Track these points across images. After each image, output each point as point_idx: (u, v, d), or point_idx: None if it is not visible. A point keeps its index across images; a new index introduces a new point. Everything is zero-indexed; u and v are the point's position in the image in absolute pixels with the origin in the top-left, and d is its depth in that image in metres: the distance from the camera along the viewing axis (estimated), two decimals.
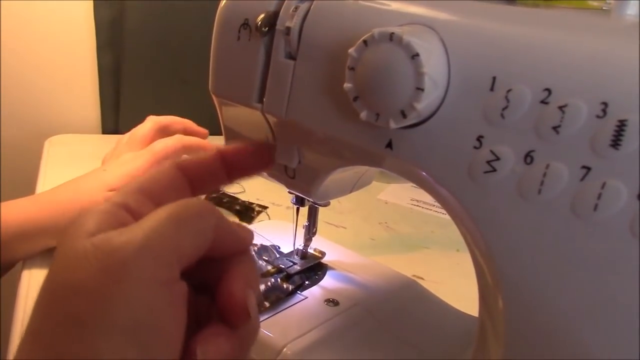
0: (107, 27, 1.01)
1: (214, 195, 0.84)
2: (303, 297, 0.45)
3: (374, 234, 0.81)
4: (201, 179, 0.33)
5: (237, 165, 0.34)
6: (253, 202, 0.84)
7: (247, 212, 0.81)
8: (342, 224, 0.82)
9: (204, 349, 0.27)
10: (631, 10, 0.30)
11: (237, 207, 0.82)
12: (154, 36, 1.02)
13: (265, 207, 0.82)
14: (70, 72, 1.06)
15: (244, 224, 0.79)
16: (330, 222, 0.81)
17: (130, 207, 0.29)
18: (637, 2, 0.30)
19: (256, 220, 0.80)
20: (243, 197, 0.85)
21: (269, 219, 0.81)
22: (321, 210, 0.48)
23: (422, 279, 0.69)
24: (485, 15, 0.31)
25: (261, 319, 0.42)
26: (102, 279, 0.25)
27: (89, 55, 1.04)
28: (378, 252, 0.77)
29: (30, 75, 1.04)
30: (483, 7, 0.31)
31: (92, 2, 1.00)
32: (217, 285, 0.29)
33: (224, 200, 0.84)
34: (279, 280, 0.46)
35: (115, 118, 1.07)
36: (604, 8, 0.35)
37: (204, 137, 0.74)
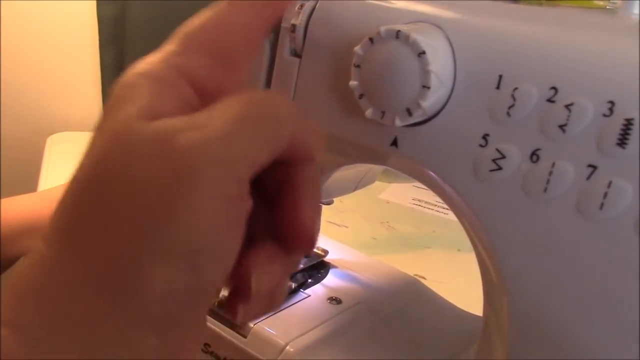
0: (109, 24, 1.01)
1: None
2: (306, 295, 0.45)
3: (376, 233, 0.81)
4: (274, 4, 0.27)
5: None
6: None
7: None
8: (344, 222, 0.82)
9: (260, 278, 0.24)
10: (637, 9, 0.30)
11: None
12: (156, 33, 1.01)
13: None
14: (73, 70, 1.06)
15: None
16: (332, 221, 0.81)
17: (193, 74, 0.24)
18: None
19: None
20: None
21: None
22: (323, 209, 0.48)
23: (423, 278, 0.69)
24: (491, 13, 0.31)
25: (264, 316, 0.42)
26: (168, 184, 0.20)
27: (92, 52, 1.04)
28: (379, 252, 0.77)
29: (32, 72, 1.04)
30: (489, 5, 0.31)
31: (94, 0, 1.00)
32: (278, 202, 0.25)
33: None
34: None
35: None
36: (608, 7, 0.35)
37: None
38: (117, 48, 1.03)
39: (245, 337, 0.40)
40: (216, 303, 0.42)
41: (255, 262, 0.24)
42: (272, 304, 0.25)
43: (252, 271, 0.23)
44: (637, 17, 0.30)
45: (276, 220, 0.25)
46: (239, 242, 0.22)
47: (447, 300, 0.48)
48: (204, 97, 0.24)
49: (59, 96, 1.07)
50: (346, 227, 0.81)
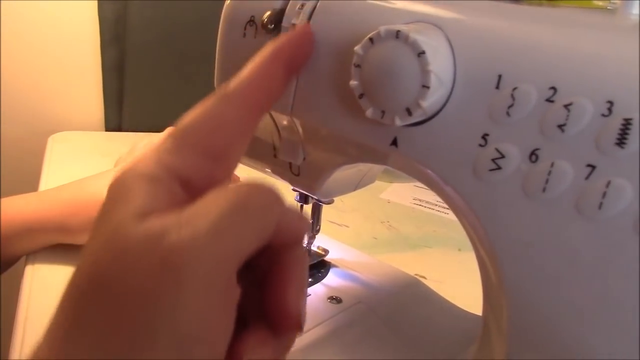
0: (110, 24, 1.01)
1: None
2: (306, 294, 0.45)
3: (376, 233, 0.81)
4: (264, 97, 0.29)
5: (293, 60, 0.31)
6: None
7: None
8: (345, 222, 0.82)
9: (254, 354, 0.25)
10: (637, 10, 0.30)
11: None
12: (158, 33, 1.02)
13: None
14: (74, 69, 1.06)
15: None
16: (333, 220, 0.81)
17: (184, 172, 0.25)
18: None
19: None
20: None
21: None
22: (324, 209, 0.48)
23: (424, 278, 0.70)
24: (491, 13, 0.31)
25: None
26: (158, 282, 0.22)
27: (93, 52, 1.04)
28: (380, 251, 0.77)
29: (34, 72, 1.04)
30: (489, 5, 0.32)
31: (96, 0, 1.00)
32: (266, 284, 0.26)
33: None
34: None
35: (119, 115, 1.08)
36: (608, 8, 0.35)
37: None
38: (118, 48, 1.03)
39: None
40: None
41: (246, 347, 0.25)
42: None
43: (243, 357, 0.24)
44: (637, 17, 0.30)
45: (264, 304, 0.26)
46: (230, 329, 0.24)
47: (447, 300, 0.49)
48: (194, 190, 0.25)
49: (60, 96, 1.07)
50: (347, 226, 0.81)
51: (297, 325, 0.26)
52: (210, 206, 0.23)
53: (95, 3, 1.00)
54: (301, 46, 0.33)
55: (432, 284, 0.61)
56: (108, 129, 1.09)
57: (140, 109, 1.07)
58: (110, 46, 1.03)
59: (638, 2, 0.30)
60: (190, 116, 0.28)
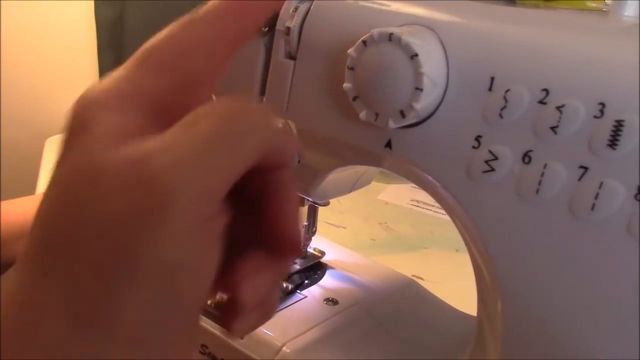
0: (108, 27, 1.01)
1: None
2: (302, 296, 0.45)
3: (374, 234, 0.81)
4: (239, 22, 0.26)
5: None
6: None
7: None
8: (342, 224, 0.82)
9: (250, 289, 0.24)
10: (629, 11, 0.30)
11: None
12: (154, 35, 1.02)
13: None
14: (71, 72, 1.06)
15: None
16: (330, 222, 0.81)
17: (152, 94, 0.23)
18: (635, 2, 0.30)
19: None
20: None
21: None
22: (321, 210, 0.48)
23: (421, 279, 0.69)
24: (484, 15, 0.31)
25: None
26: (141, 210, 0.20)
27: (90, 54, 1.04)
28: (378, 252, 0.77)
29: (31, 74, 1.04)
30: (482, 7, 0.32)
31: (92, 2, 1.00)
32: (261, 208, 0.24)
33: None
34: None
35: None
36: (603, 9, 0.35)
37: None
38: (116, 50, 1.03)
39: (242, 337, 0.41)
40: (213, 304, 0.42)
41: (243, 273, 0.24)
42: (265, 314, 0.26)
43: (241, 283, 0.23)
44: (629, 18, 0.30)
45: (262, 229, 0.25)
46: (216, 257, 0.22)
47: (443, 301, 0.49)
48: (167, 116, 0.23)
49: (58, 98, 1.07)
50: (344, 228, 0.81)
51: (297, 246, 0.25)
52: (193, 129, 0.22)
53: (92, 5, 1.00)
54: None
55: (429, 284, 0.61)
56: None
57: None
58: (108, 49, 1.03)
59: (630, 3, 0.30)
60: (156, 37, 0.25)
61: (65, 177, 0.21)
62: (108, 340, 0.20)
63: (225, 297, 0.24)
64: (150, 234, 0.20)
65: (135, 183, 0.20)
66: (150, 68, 0.24)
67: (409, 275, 0.70)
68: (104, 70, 1.04)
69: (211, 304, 0.42)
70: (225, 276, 0.23)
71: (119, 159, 0.20)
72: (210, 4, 0.26)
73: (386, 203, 0.90)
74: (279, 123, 0.24)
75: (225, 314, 0.24)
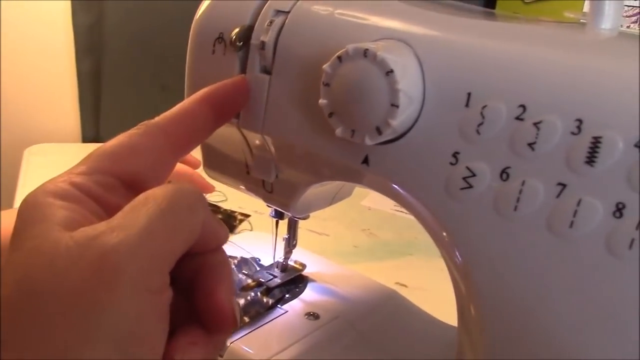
0: (85, 33, 1.00)
1: None
2: (283, 311, 0.45)
3: (357, 241, 0.80)
4: (186, 133, 0.31)
5: (223, 106, 0.34)
6: (235, 210, 0.83)
7: (229, 220, 0.81)
8: (325, 231, 0.81)
9: (186, 354, 0.26)
10: (605, 24, 0.30)
11: (219, 216, 0.82)
12: (133, 41, 1.01)
13: (247, 216, 0.82)
14: (49, 80, 1.05)
15: None
16: (313, 229, 0.81)
17: (98, 195, 0.27)
18: (612, 14, 0.30)
19: (238, 228, 0.80)
20: (225, 206, 0.84)
21: (251, 227, 0.80)
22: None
23: (405, 286, 0.69)
24: (461, 30, 0.31)
25: (241, 334, 0.41)
26: (93, 284, 0.22)
27: (68, 61, 1.03)
28: (361, 260, 0.76)
29: (8, 83, 1.03)
30: (459, 22, 0.31)
31: (70, 6, 0.99)
32: (195, 287, 0.27)
33: None
34: (258, 294, 0.45)
35: (96, 126, 1.06)
36: (581, 21, 0.35)
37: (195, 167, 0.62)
38: (94, 57, 1.02)
39: (221, 356, 0.40)
40: None
41: (177, 349, 0.26)
42: None
43: (175, 356, 0.25)
44: (606, 31, 0.30)
45: (196, 307, 0.27)
46: (166, 328, 0.25)
47: (426, 312, 0.48)
48: (109, 211, 0.26)
49: (36, 107, 1.06)
50: (327, 235, 0.81)
51: (233, 321, 0.27)
52: (140, 210, 0.24)
53: (70, 10, 0.99)
54: (233, 95, 0.35)
55: (413, 291, 0.60)
56: (85, 140, 1.07)
57: (117, 119, 1.06)
58: (86, 55, 1.02)
59: (607, 16, 0.30)
60: (109, 142, 0.29)
61: (22, 263, 0.24)
62: None
63: None
64: (103, 305, 0.22)
65: (85, 262, 0.23)
66: (98, 169, 0.28)
67: (393, 283, 0.70)
68: (82, 77, 1.03)
69: None
70: (165, 349, 0.25)
71: (71, 242, 0.23)
72: (164, 115, 0.32)
73: (369, 209, 0.89)
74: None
75: None
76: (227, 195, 0.87)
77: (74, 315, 0.22)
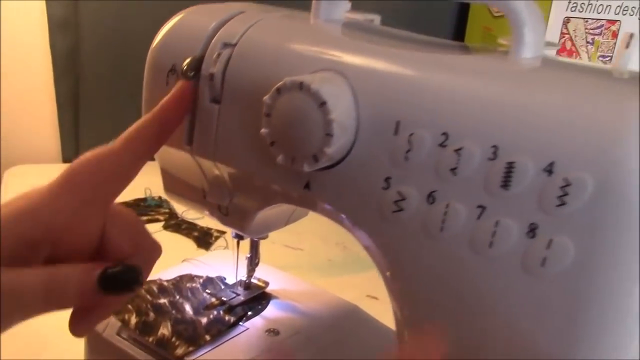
0: (63, 56, 1.02)
1: (173, 222, 0.85)
2: (244, 328, 0.46)
3: (331, 255, 0.82)
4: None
5: (167, 122, 0.36)
6: (211, 227, 0.85)
7: (205, 237, 0.82)
8: (300, 245, 0.83)
9: None
10: (526, 53, 0.32)
11: (196, 233, 0.83)
12: (110, 63, 1.03)
13: (223, 233, 0.83)
14: (28, 102, 1.06)
15: (202, 250, 0.80)
16: (288, 244, 0.83)
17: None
18: (533, 43, 0.32)
19: (214, 245, 0.81)
20: (202, 223, 0.86)
21: (227, 244, 0.82)
22: (279, 233, 0.49)
23: (375, 298, 0.71)
24: (392, 61, 0.32)
25: (201, 352, 0.43)
26: None
27: (46, 84, 1.04)
28: (334, 273, 0.78)
29: None
30: (392, 53, 0.33)
31: (47, 30, 1.00)
32: None
33: (182, 227, 0.85)
34: (221, 312, 0.47)
35: (76, 146, 1.08)
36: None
37: None
38: (72, 79, 1.04)
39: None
40: (155, 340, 0.43)
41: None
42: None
43: None
44: (527, 60, 0.31)
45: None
46: None
47: (386, 326, 0.50)
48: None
49: (15, 129, 1.07)
50: (302, 249, 0.82)
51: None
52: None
53: (47, 34, 1.01)
54: (172, 110, 0.36)
55: (383, 305, 0.62)
56: (65, 160, 1.09)
57: (97, 139, 1.06)
58: (64, 78, 1.03)
59: (527, 45, 0.32)
60: (78, 161, 0.34)
61: None
62: None
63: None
64: None
65: None
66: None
67: (364, 295, 0.72)
68: (61, 100, 1.04)
69: (152, 341, 0.43)
70: None
71: None
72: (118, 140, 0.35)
73: None
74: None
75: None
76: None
77: None
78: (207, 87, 0.37)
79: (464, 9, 1.17)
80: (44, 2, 1.00)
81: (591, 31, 0.96)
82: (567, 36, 0.98)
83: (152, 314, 0.46)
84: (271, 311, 0.48)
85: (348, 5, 0.40)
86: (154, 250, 0.35)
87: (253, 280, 0.51)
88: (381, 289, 0.72)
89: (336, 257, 0.82)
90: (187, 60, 0.38)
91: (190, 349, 0.43)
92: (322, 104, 0.31)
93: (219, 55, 0.37)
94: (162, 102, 0.36)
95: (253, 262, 0.50)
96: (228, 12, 0.39)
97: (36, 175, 1.03)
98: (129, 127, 0.35)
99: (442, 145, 0.29)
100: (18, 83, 1.05)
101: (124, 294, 0.33)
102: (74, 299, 0.32)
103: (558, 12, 0.97)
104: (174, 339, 0.43)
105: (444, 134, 0.29)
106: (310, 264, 0.80)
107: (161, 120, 0.35)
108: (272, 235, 0.48)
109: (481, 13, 1.12)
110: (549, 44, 0.34)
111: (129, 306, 0.46)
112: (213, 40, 0.38)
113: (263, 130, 0.33)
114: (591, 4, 0.94)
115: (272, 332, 0.46)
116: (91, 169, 0.33)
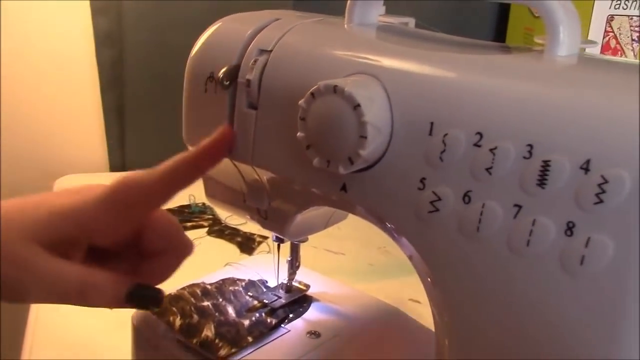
0: (109, 67, 1.05)
1: (216, 228, 0.87)
2: (286, 331, 0.47)
3: (373, 259, 0.82)
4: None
5: (204, 162, 0.38)
6: (254, 232, 0.86)
7: (248, 242, 0.84)
8: (341, 250, 0.83)
9: None
10: (561, 51, 0.31)
11: (239, 239, 0.84)
12: (153, 74, 1.05)
13: (265, 237, 0.84)
14: (76, 113, 1.09)
15: (245, 254, 0.81)
16: (330, 249, 0.83)
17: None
18: (568, 42, 0.31)
19: (257, 250, 0.82)
20: (245, 229, 0.87)
21: (270, 248, 0.83)
22: (320, 238, 0.49)
23: (418, 302, 0.71)
24: (425, 62, 0.33)
25: (244, 354, 0.44)
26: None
27: (93, 95, 1.08)
28: (376, 278, 0.78)
29: (36, 116, 1.07)
30: (424, 54, 0.33)
31: (93, 42, 1.04)
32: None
33: (226, 233, 0.86)
34: (263, 315, 0.47)
35: (122, 155, 1.11)
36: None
37: None
38: (117, 90, 1.07)
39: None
40: (199, 342, 0.44)
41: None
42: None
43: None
44: (563, 58, 0.31)
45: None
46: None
47: (429, 329, 0.50)
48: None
49: (65, 140, 1.10)
50: (343, 254, 0.83)
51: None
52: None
53: (93, 45, 1.04)
54: (211, 155, 0.39)
55: (426, 308, 0.61)
56: (112, 169, 1.12)
57: (142, 147, 1.10)
58: (109, 89, 1.06)
59: (562, 43, 0.31)
60: (130, 176, 0.38)
61: None
62: None
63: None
64: None
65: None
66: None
67: (407, 299, 0.71)
68: (107, 110, 1.07)
69: (196, 342, 0.44)
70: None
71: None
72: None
73: None
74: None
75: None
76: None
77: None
78: (244, 93, 0.38)
79: (505, 10, 1.16)
80: (89, 16, 1.03)
81: (636, 29, 0.94)
82: (611, 34, 0.96)
83: (195, 316, 0.47)
84: (312, 314, 0.49)
85: (382, 8, 0.40)
86: (185, 248, 0.39)
87: (294, 283, 0.51)
88: (424, 293, 0.72)
89: (378, 262, 0.82)
90: (224, 70, 0.39)
91: (233, 350, 0.43)
92: (356, 106, 0.31)
93: (255, 61, 0.38)
94: (203, 143, 0.38)
95: (294, 265, 0.50)
96: (264, 19, 0.39)
97: (86, 184, 1.06)
98: (170, 159, 0.38)
99: (476, 144, 0.30)
100: (66, 95, 1.08)
101: (141, 309, 0.40)
102: (101, 304, 0.37)
103: (601, 11, 0.95)
104: (217, 341, 0.44)
105: (479, 133, 0.29)
106: (352, 269, 0.80)
107: (198, 161, 0.38)
108: (313, 240, 0.48)
109: (522, 13, 1.10)
110: (587, 42, 0.33)
111: (174, 309, 0.47)
112: (249, 48, 0.39)
113: (299, 134, 0.34)
114: (636, 1, 0.92)
115: (313, 334, 0.46)
116: (129, 192, 0.37)
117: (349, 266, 0.80)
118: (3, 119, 1.05)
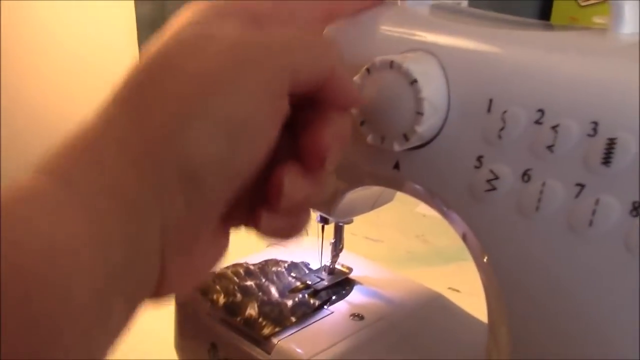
0: (148, 26, 1.06)
1: None
2: (329, 312, 0.46)
3: (411, 247, 0.81)
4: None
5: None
6: None
7: None
8: (380, 237, 0.83)
9: (290, 185, 0.28)
10: (627, 28, 0.30)
11: None
12: None
13: None
14: (113, 73, 1.11)
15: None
16: (368, 236, 0.83)
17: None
18: (632, 20, 0.31)
19: None
20: None
21: (307, 232, 0.82)
22: (359, 225, 0.49)
23: (457, 291, 0.70)
24: (482, 39, 0.32)
25: (287, 333, 0.44)
26: (223, 66, 0.25)
27: (132, 54, 1.08)
28: (414, 266, 0.78)
29: (79, 108, 1.09)
30: (481, 32, 0.33)
31: (135, 29, 1.05)
32: (306, 127, 0.29)
33: None
34: (306, 296, 0.47)
35: None
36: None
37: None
38: None
39: (269, 353, 0.42)
40: (242, 321, 0.44)
41: (286, 172, 0.28)
42: (295, 225, 0.31)
43: (284, 177, 0.27)
44: (626, 36, 0.30)
45: (300, 143, 0.29)
46: (273, 138, 0.27)
47: (471, 315, 0.49)
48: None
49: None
50: (382, 241, 0.82)
51: (321, 161, 0.28)
52: (284, 29, 0.28)
53: (135, 33, 1.05)
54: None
55: (465, 297, 0.61)
56: None
57: None
58: None
59: (627, 21, 0.31)
60: None
61: (162, 43, 0.26)
62: (163, 170, 0.24)
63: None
64: (225, 85, 0.25)
65: (219, 46, 0.26)
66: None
67: (445, 288, 0.71)
68: None
69: (240, 321, 0.44)
70: (268, 175, 0.28)
71: (207, 31, 0.26)
72: None
73: (424, 215, 0.90)
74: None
75: (259, 209, 0.28)
76: None
77: (195, 90, 0.25)
78: None
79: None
80: (132, 2, 1.04)
81: None
82: None
83: (239, 295, 0.47)
84: (355, 296, 0.49)
85: None
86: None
87: (337, 266, 0.51)
88: (463, 282, 0.71)
89: (416, 250, 0.81)
90: None
91: (277, 329, 0.43)
92: (413, 82, 0.31)
93: None
94: None
95: (337, 247, 0.50)
96: None
97: None
98: None
99: (537, 122, 0.29)
100: (108, 81, 1.09)
101: None
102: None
103: None
104: (260, 320, 0.44)
105: (540, 110, 0.29)
106: (390, 256, 0.79)
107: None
108: (352, 227, 0.48)
109: (567, 3, 1.08)
110: None
111: (217, 287, 0.47)
112: None
113: (353, 110, 0.33)
114: None
115: (357, 316, 0.46)
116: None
117: (388, 254, 0.80)
118: (45, 109, 1.07)
